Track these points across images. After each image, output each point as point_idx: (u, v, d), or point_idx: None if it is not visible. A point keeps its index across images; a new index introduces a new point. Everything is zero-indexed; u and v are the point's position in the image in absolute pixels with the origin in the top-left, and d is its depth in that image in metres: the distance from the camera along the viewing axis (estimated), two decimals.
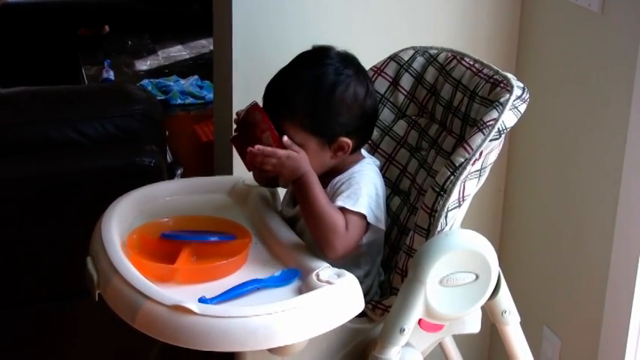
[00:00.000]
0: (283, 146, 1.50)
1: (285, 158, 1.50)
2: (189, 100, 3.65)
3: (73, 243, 1.71)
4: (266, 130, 1.50)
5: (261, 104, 1.56)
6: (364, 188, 1.54)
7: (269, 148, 1.49)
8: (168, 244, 1.50)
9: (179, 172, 2.60)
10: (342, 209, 1.51)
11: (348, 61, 1.59)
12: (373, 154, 1.73)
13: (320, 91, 1.54)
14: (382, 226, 1.57)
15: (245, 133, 1.53)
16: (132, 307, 1.34)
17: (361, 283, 1.43)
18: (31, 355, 2.21)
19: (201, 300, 1.35)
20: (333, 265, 1.45)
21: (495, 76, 1.57)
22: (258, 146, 1.49)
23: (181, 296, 1.34)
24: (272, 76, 1.61)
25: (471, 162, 1.48)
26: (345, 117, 1.56)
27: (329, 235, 1.49)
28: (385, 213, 1.60)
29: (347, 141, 1.57)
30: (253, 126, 1.52)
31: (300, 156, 1.51)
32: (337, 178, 1.58)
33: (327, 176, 1.59)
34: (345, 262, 1.52)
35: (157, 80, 3.78)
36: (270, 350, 1.36)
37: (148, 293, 1.34)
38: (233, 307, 1.35)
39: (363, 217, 1.53)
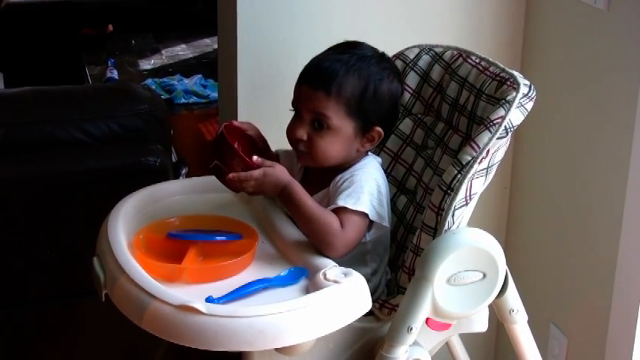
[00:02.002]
0: (257, 166, 1.50)
1: (262, 177, 1.49)
2: (193, 99, 3.65)
3: (78, 243, 1.71)
4: (235, 156, 1.50)
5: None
6: (366, 186, 1.54)
7: (243, 173, 1.49)
8: (174, 244, 1.49)
9: (184, 171, 2.60)
10: (344, 208, 1.51)
11: (385, 56, 1.63)
12: (379, 153, 1.73)
13: (370, 78, 1.56)
14: (386, 223, 1.57)
15: (220, 161, 1.53)
16: (139, 306, 1.34)
17: (368, 281, 1.43)
18: (38, 354, 2.21)
19: (209, 299, 1.35)
20: (340, 263, 1.45)
21: (502, 74, 1.57)
22: (232, 174, 1.49)
23: (188, 296, 1.34)
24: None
25: (478, 160, 1.47)
26: (385, 107, 1.59)
27: (325, 236, 1.48)
28: (389, 210, 1.60)
29: (380, 131, 1.58)
30: (223, 154, 1.52)
31: (276, 170, 1.51)
32: (339, 176, 1.58)
33: (330, 173, 1.59)
34: (352, 260, 1.52)
35: (160, 79, 3.78)
36: (278, 350, 1.36)
37: (154, 293, 1.34)
38: (240, 306, 1.35)
39: (365, 215, 1.52)
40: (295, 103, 1.58)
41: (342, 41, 1.63)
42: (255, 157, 1.50)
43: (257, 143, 1.63)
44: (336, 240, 1.48)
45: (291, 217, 1.60)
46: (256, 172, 1.49)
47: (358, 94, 1.55)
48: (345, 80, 1.54)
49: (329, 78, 1.54)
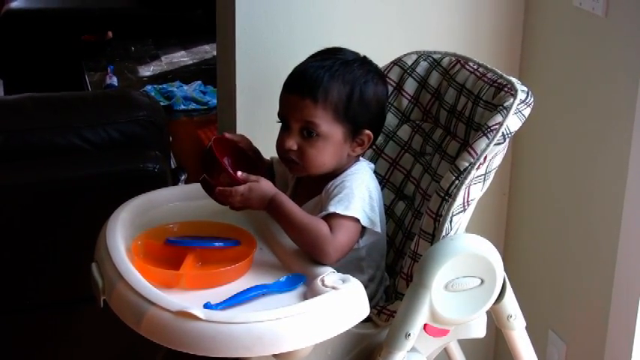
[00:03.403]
0: (242, 181, 1.50)
1: (247, 192, 1.49)
2: (193, 105, 3.66)
3: (77, 249, 1.71)
4: (221, 171, 1.50)
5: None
6: (357, 192, 1.54)
7: (228, 189, 1.49)
8: (173, 250, 1.49)
9: (183, 177, 2.60)
10: (335, 214, 1.51)
11: (367, 60, 1.63)
12: (377, 159, 1.74)
13: (355, 81, 1.56)
14: (377, 228, 1.56)
15: (208, 175, 1.54)
16: (137, 312, 1.34)
17: (366, 287, 1.43)
18: None
19: (207, 306, 1.35)
20: (337, 271, 1.45)
21: (499, 80, 1.57)
22: (218, 189, 1.50)
23: (186, 302, 1.34)
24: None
25: (476, 166, 1.48)
26: (373, 111, 1.59)
27: (316, 243, 1.48)
28: (382, 216, 1.60)
29: (369, 134, 1.58)
30: (211, 169, 1.52)
31: (261, 184, 1.50)
32: (331, 183, 1.57)
33: (322, 180, 1.59)
34: (348, 267, 1.51)
35: (160, 86, 3.79)
36: (276, 356, 1.36)
37: (153, 299, 1.34)
38: (238, 312, 1.35)
39: (357, 220, 1.52)
40: (282, 114, 1.58)
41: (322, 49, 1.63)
42: (239, 173, 1.50)
43: (248, 155, 1.63)
44: (326, 245, 1.47)
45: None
46: (242, 188, 1.49)
47: (345, 98, 1.55)
48: (331, 86, 1.54)
49: (314, 85, 1.54)
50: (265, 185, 1.51)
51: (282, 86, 1.59)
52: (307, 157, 1.55)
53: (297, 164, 1.57)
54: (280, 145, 1.57)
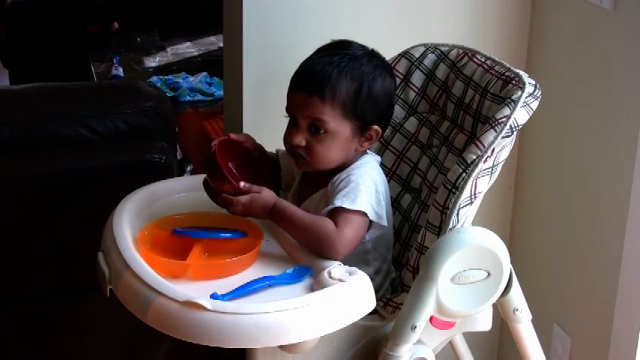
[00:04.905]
0: (244, 192, 1.50)
1: (249, 203, 1.50)
2: (199, 97, 3.66)
3: (83, 239, 1.71)
4: (224, 180, 1.51)
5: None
6: (363, 186, 1.53)
7: (230, 198, 1.50)
8: (179, 241, 1.50)
9: (189, 168, 2.60)
10: (341, 209, 1.50)
11: (375, 53, 1.61)
12: (384, 152, 1.73)
13: (364, 77, 1.55)
14: (384, 222, 1.56)
15: (210, 179, 1.55)
16: (143, 302, 1.34)
17: (372, 280, 1.43)
18: (41, 352, 2.21)
19: (213, 296, 1.35)
20: (343, 263, 1.45)
21: (507, 73, 1.57)
22: (220, 196, 1.51)
23: (193, 292, 1.34)
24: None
25: (483, 159, 1.47)
26: (381, 105, 1.58)
27: (323, 240, 1.48)
28: (389, 209, 1.60)
29: (378, 129, 1.58)
30: (214, 174, 1.53)
31: (262, 194, 1.51)
32: (337, 176, 1.57)
33: (329, 173, 1.58)
34: (354, 260, 1.51)
35: (165, 77, 3.79)
36: (282, 347, 1.36)
37: (159, 289, 1.34)
38: (245, 303, 1.35)
39: (363, 214, 1.52)
40: (290, 110, 1.57)
41: (329, 41, 1.62)
42: (242, 184, 1.51)
43: (253, 155, 1.63)
44: (334, 241, 1.47)
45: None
46: (243, 198, 1.49)
47: (353, 95, 1.54)
48: (339, 83, 1.53)
49: (322, 82, 1.53)
50: (267, 195, 1.51)
51: (289, 78, 1.59)
52: (315, 153, 1.55)
53: (305, 160, 1.57)
54: (288, 140, 1.57)
